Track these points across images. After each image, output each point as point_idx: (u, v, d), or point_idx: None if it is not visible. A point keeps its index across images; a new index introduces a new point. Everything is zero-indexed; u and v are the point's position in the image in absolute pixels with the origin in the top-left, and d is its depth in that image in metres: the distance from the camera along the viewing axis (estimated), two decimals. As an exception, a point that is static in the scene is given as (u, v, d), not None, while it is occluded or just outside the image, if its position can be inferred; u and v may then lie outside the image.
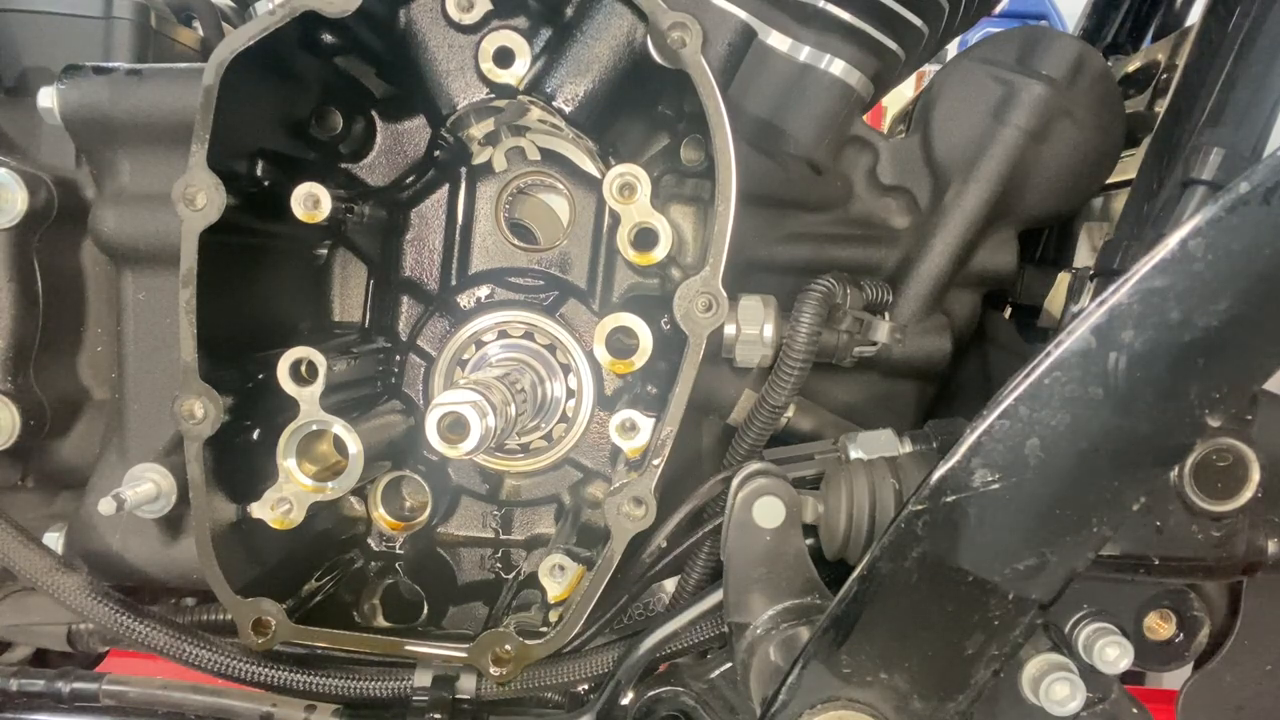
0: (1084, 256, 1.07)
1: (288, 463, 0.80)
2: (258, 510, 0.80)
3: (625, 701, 0.80)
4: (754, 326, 0.84)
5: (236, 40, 0.76)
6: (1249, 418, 0.68)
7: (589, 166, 0.95)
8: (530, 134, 0.93)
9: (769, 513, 0.74)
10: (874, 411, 0.95)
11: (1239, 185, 0.57)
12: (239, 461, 0.83)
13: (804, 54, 0.85)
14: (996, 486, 0.60)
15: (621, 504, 0.78)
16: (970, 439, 0.60)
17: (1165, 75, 1.05)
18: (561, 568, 0.83)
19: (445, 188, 0.97)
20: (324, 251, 0.97)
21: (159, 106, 0.85)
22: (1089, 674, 0.68)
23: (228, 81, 0.76)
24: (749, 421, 0.85)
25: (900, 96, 1.72)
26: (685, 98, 0.82)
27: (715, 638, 0.81)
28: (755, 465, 0.77)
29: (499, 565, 1.02)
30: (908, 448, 0.82)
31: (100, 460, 0.92)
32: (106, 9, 1.01)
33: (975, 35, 1.17)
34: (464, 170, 0.96)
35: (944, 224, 0.92)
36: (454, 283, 0.98)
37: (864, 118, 0.93)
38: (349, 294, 0.99)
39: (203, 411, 0.78)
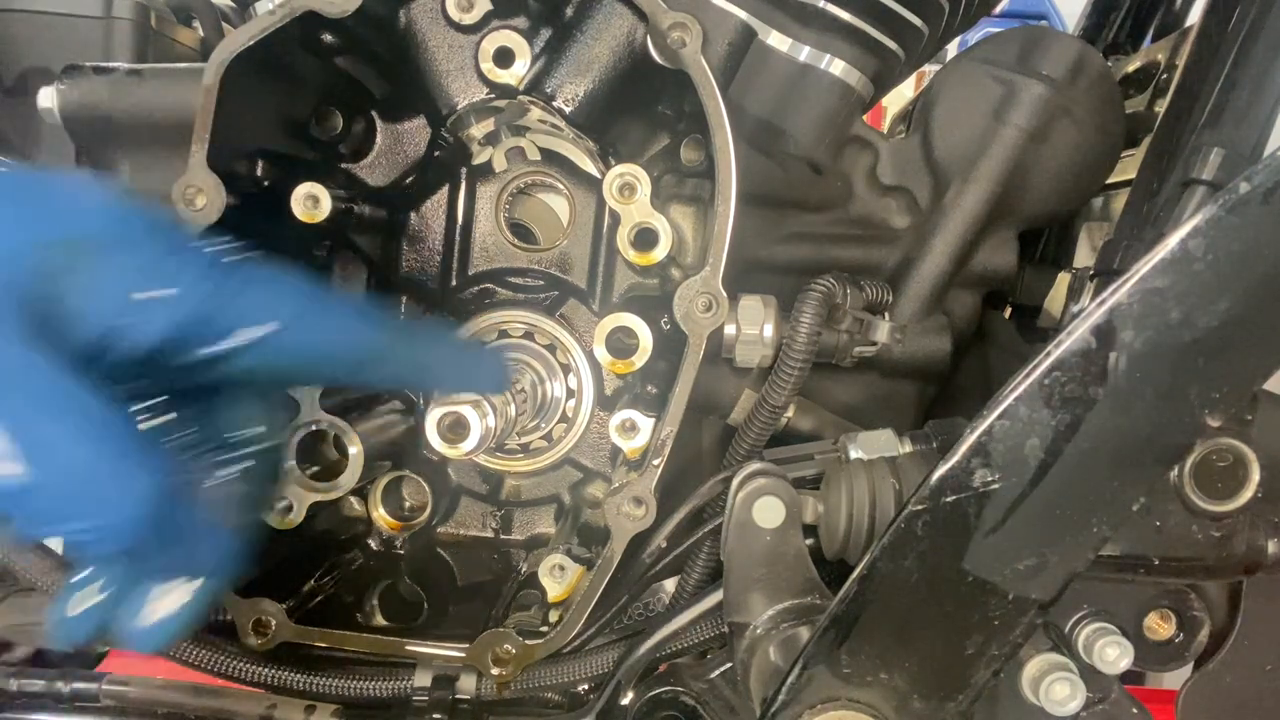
0: (1084, 256, 1.07)
1: (288, 463, 0.80)
2: (258, 510, 0.80)
3: (625, 701, 0.80)
4: (754, 326, 0.84)
5: (236, 40, 0.76)
6: (1249, 418, 0.68)
7: (589, 166, 0.95)
8: (530, 134, 0.93)
9: (769, 513, 0.74)
10: (874, 411, 0.95)
11: (1239, 185, 0.57)
12: (239, 461, 0.83)
13: (804, 54, 0.85)
14: (996, 486, 0.60)
15: (621, 504, 0.78)
16: (970, 439, 0.60)
17: (1165, 75, 1.05)
18: (561, 568, 0.83)
19: (445, 188, 0.97)
20: (324, 252, 0.97)
21: (159, 106, 0.85)
22: (1089, 674, 0.68)
23: (228, 81, 0.76)
24: (749, 421, 0.85)
25: (900, 96, 1.72)
26: (685, 98, 0.82)
27: (715, 638, 0.81)
28: (755, 465, 0.77)
29: (499, 565, 1.02)
30: (908, 448, 0.82)
31: (100, 460, 0.92)
32: (106, 9, 1.01)
33: (975, 35, 1.17)
34: (464, 170, 0.96)
35: (944, 224, 0.92)
36: (454, 283, 0.98)
37: (864, 118, 0.93)
38: (349, 294, 0.99)
39: (203, 411, 0.78)
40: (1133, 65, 1.12)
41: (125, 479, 0.49)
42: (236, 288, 0.55)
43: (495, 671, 0.81)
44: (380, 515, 0.98)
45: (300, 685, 0.81)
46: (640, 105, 0.88)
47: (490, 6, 0.82)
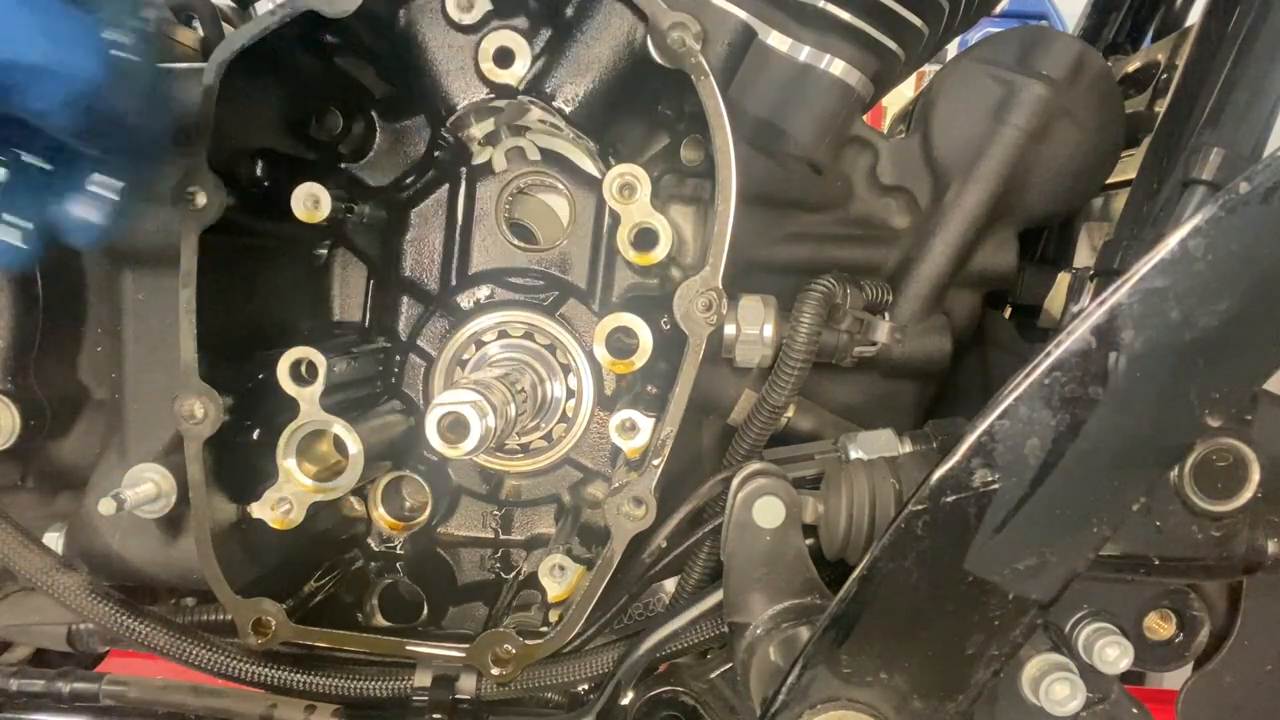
0: (1084, 256, 1.07)
1: (288, 463, 0.80)
2: (258, 510, 0.80)
3: (625, 701, 0.80)
4: (754, 326, 0.84)
5: (236, 40, 0.76)
6: (1249, 418, 0.68)
7: (589, 166, 0.95)
8: (530, 134, 0.93)
9: (769, 513, 0.74)
10: (874, 411, 0.95)
11: (1239, 185, 0.57)
12: (239, 461, 0.83)
13: (804, 54, 0.85)
14: (996, 486, 0.60)
15: (621, 504, 0.78)
16: (970, 439, 0.60)
17: (1165, 75, 1.05)
18: (561, 568, 0.83)
19: (445, 188, 0.97)
20: (324, 251, 0.97)
21: (159, 106, 0.85)
22: (1089, 674, 0.68)
23: (228, 81, 0.76)
24: (749, 421, 0.85)
25: (900, 96, 1.72)
26: (685, 98, 0.82)
27: (715, 638, 0.81)
28: (755, 465, 0.77)
29: (499, 565, 1.02)
30: (908, 448, 0.82)
31: (100, 460, 0.92)
32: (106, 9, 1.01)
33: (975, 35, 1.17)
34: (464, 170, 0.96)
35: (944, 224, 0.92)
36: (454, 283, 0.98)
37: (864, 118, 0.93)
38: (349, 294, 0.99)
39: (203, 411, 0.78)
40: (1133, 65, 1.12)
41: (80, 55, 0.58)
42: None
43: (495, 671, 0.81)
44: (380, 515, 0.98)
45: (300, 685, 0.81)
46: (640, 105, 0.88)
47: (490, 6, 0.82)
